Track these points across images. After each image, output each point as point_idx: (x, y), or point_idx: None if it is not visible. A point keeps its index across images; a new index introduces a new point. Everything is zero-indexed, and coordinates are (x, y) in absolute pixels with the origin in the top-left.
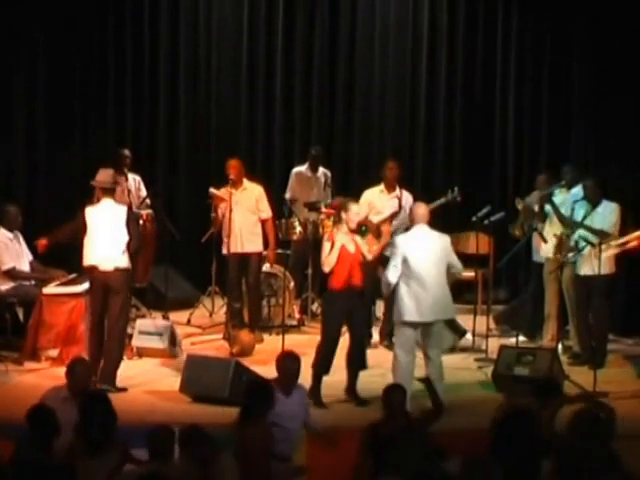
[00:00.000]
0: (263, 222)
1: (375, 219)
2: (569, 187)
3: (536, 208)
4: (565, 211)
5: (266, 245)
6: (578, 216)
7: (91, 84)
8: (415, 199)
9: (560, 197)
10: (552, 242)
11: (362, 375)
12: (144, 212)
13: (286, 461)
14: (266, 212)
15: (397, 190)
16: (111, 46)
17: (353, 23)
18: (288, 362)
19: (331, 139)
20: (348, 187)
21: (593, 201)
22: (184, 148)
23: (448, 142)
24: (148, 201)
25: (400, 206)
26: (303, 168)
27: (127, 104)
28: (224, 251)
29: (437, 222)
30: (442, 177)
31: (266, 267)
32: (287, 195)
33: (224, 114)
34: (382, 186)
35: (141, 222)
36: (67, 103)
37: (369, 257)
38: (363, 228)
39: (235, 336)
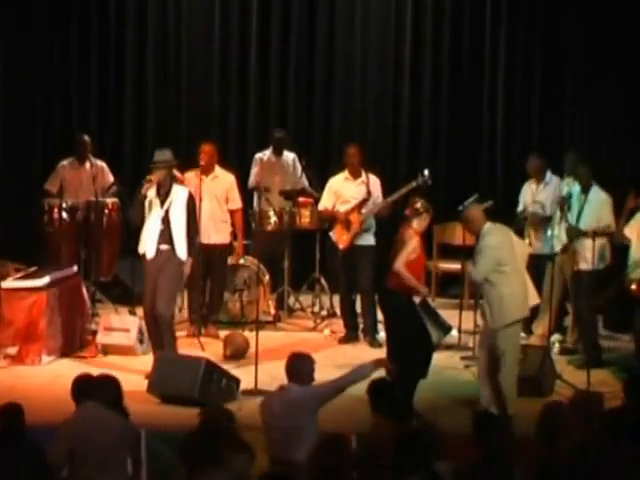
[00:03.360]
0: (232, 213)
1: (343, 208)
2: (576, 177)
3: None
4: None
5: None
6: (573, 213)
7: (54, 64)
8: (384, 184)
9: (567, 188)
10: (560, 237)
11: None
12: (109, 201)
13: None
14: (236, 202)
15: (363, 175)
16: (74, 28)
17: (332, 2)
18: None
19: (309, 121)
20: (328, 171)
21: (585, 188)
22: (152, 135)
23: (433, 125)
24: (114, 189)
25: (368, 192)
26: (267, 153)
27: (92, 88)
28: None
29: None
30: (427, 162)
31: (232, 259)
32: (250, 183)
33: (195, 98)
34: (346, 173)
35: (106, 211)
36: (27, 89)
37: (340, 247)
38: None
39: (228, 338)
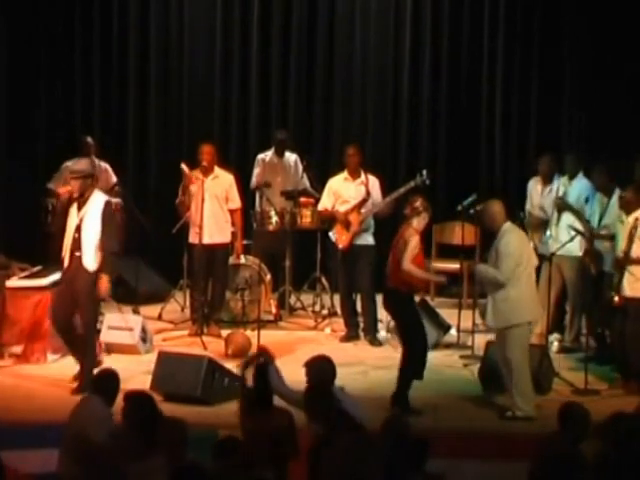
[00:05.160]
0: (232, 212)
1: (342, 208)
2: (571, 178)
3: (553, 216)
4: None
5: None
6: (594, 214)
7: (57, 65)
8: (382, 184)
9: (563, 189)
10: (557, 237)
11: (342, 372)
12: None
13: None
14: (235, 202)
15: (362, 176)
16: (78, 27)
17: (332, 4)
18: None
19: (310, 122)
20: (328, 172)
21: (606, 191)
22: (154, 135)
23: (432, 126)
24: (117, 189)
25: (367, 193)
26: (268, 154)
27: (95, 89)
28: (193, 241)
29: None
30: (426, 163)
31: (234, 258)
32: (252, 183)
33: (197, 98)
34: (346, 173)
35: None
36: (31, 89)
37: (340, 247)
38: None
39: (230, 337)
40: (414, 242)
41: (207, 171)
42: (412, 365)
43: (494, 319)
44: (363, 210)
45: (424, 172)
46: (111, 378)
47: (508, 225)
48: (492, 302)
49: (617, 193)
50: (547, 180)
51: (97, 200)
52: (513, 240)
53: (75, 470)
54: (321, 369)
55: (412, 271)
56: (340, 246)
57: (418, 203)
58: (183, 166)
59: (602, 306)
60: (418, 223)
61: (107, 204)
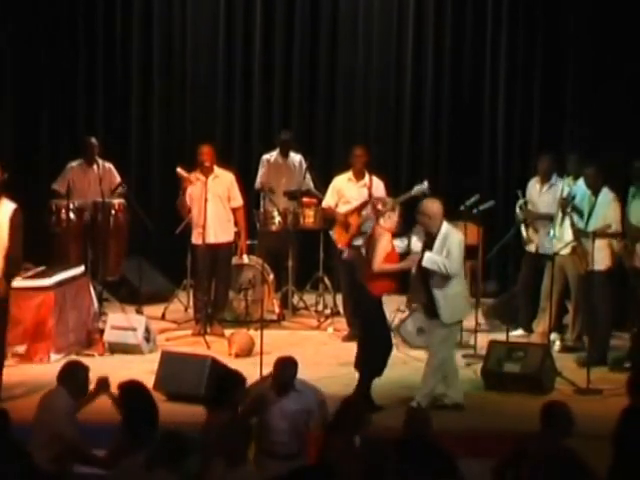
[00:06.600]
0: (234, 211)
1: (343, 209)
2: (575, 178)
3: (557, 216)
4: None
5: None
6: (583, 215)
7: (60, 66)
8: (387, 185)
9: (567, 189)
10: (561, 237)
11: (344, 371)
12: (116, 201)
13: (290, 459)
14: (237, 200)
15: (366, 178)
16: (81, 29)
17: (335, 3)
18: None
19: (312, 123)
20: (330, 173)
21: (594, 189)
22: (157, 136)
23: (435, 127)
24: (120, 189)
25: (370, 195)
26: (273, 154)
27: (98, 89)
28: (197, 241)
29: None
30: (429, 163)
31: (237, 258)
32: (257, 184)
33: (200, 99)
34: (350, 173)
35: (113, 212)
36: (35, 90)
37: (339, 247)
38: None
39: (234, 336)
40: (384, 240)
41: (208, 171)
42: (371, 364)
43: (451, 315)
44: (364, 212)
45: (425, 182)
46: (77, 370)
47: (447, 225)
48: (444, 298)
49: (604, 192)
50: (545, 179)
51: (5, 208)
52: (459, 238)
53: (43, 460)
54: (283, 366)
55: (384, 269)
56: (339, 247)
57: (380, 205)
58: (179, 170)
59: (591, 305)
60: (384, 222)
61: (16, 211)
